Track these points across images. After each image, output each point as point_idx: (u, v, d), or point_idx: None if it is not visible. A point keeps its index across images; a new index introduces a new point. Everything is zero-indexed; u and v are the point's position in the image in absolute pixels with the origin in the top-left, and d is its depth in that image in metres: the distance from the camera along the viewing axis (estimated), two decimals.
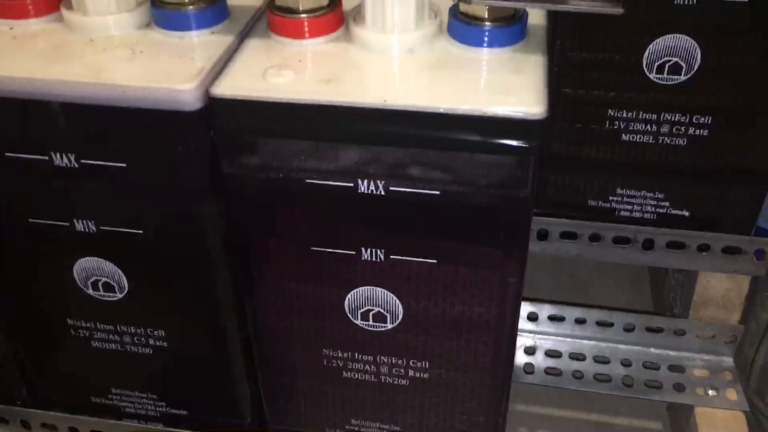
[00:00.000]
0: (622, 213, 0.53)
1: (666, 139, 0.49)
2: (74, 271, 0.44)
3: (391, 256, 0.40)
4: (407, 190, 0.37)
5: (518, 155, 0.35)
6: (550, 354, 0.61)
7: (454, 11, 0.38)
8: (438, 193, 0.36)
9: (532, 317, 0.62)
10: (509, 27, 0.38)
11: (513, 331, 0.43)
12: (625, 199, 0.53)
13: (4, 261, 0.45)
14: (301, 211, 0.39)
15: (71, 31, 0.41)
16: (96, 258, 0.43)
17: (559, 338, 0.62)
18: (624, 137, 0.50)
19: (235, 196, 0.39)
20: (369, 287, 0.41)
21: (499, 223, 0.37)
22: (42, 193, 0.41)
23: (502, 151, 0.35)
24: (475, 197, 0.36)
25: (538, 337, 0.62)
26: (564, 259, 0.77)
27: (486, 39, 0.38)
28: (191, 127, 0.37)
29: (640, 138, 0.49)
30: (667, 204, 0.52)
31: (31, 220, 0.42)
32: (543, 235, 0.55)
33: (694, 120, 0.48)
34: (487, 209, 0.37)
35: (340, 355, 0.45)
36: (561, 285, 0.81)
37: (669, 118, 0.48)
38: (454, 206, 0.37)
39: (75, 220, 0.41)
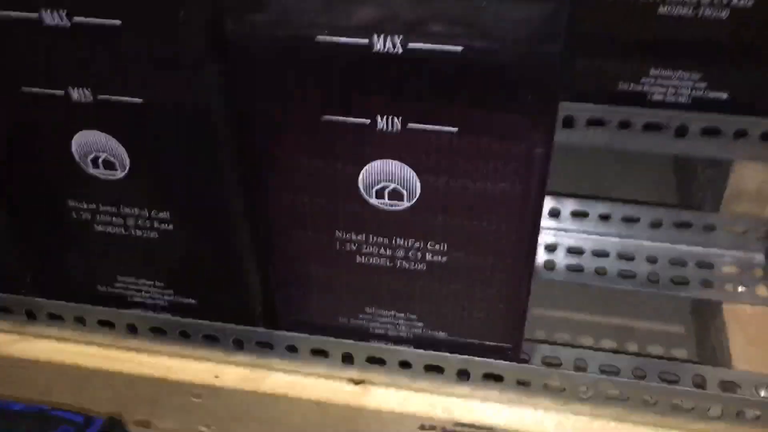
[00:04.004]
0: (655, 97, 0.50)
1: (707, 10, 0.45)
2: (73, 146, 0.41)
3: (409, 125, 0.37)
4: (426, 46, 0.33)
5: (547, 2, 0.31)
6: (573, 251, 0.59)
7: None
8: (460, 49, 0.33)
9: (554, 213, 0.60)
10: None
11: (538, 212, 0.40)
12: (659, 80, 0.49)
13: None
14: (311, 74, 0.36)
15: None
16: (95, 131, 0.40)
17: (583, 235, 0.59)
18: (660, 10, 0.46)
19: (240, 57, 0.36)
20: (385, 161, 0.38)
21: (525, 84, 0.34)
22: (34, 59, 0.38)
23: None
24: (499, 54, 0.33)
25: (560, 234, 0.59)
26: (588, 155, 0.75)
27: None
28: None
29: (678, 11, 0.46)
30: (704, 85, 0.48)
31: (24, 89, 0.39)
32: (568, 122, 0.52)
33: None
34: (512, 68, 0.34)
35: (353, 237, 0.43)
36: (582, 188, 0.78)
37: None
38: (477, 65, 0.34)
39: (70, 88, 0.39)
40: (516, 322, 0.45)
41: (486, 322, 0.45)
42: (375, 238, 0.42)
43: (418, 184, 0.39)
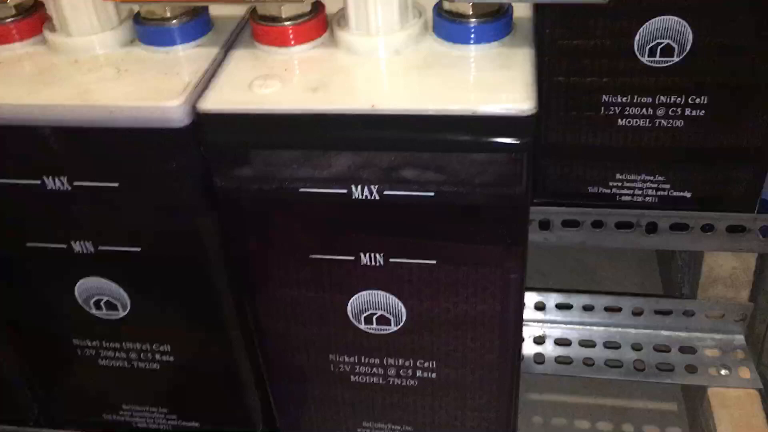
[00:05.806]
0: (624, 198, 0.53)
1: (662, 121, 0.48)
2: (76, 292, 0.44)
3: (391, 260, 0.39)
4: (401, 193, 0.36)
5: (511, 152, 0.34)
6: (560, 342, 0.61)
7: (438, 9, 0.38)
8: (432, 194, 0.36)
9: (540, 306, 0.62)
10: (495, 22, 0.37)
11: (518, 326, 0.43)
12: (625, 184, 0.52)
13: (6, 285, 0.45)
14: (297, 220, 0.39)
15: (56, 53, 0.40)
16: (96, 278, 0.43)
17: (568, 326, 0.61)
18: (620, 122, 0.49)
19: (230, 208, 0.39)
20: (370, 291, 0.41)
21: (496, 221, 0.37)
22: (37, 217, 0.41)
23: (494, 149, 0.34)
24: (470, 197, 0.36)
25: (546, 326, 0.62)
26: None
27: (472, 36, 0.37)
28: (181, 144, 0.37)
29: (636, 122, 0.49)
30: (668, 186, 0.52)
31: (29, 244, 0.42)
32: (545, 225, 0.55)
33: (689, 101, 0.47)
34: (482, 208, 0.36)
35: (346, 359, 0.45)
36: (569, 271, 0.80)
37: (664, 100, 0.48)
38: (450, 207, 0.37)
39: (72, 242, 0.41)
40: (507, 427, 0.47)
41: (478, 429, 0.47)
42: (366, 359, 0.44)
43: (404, 310, 0.41)
